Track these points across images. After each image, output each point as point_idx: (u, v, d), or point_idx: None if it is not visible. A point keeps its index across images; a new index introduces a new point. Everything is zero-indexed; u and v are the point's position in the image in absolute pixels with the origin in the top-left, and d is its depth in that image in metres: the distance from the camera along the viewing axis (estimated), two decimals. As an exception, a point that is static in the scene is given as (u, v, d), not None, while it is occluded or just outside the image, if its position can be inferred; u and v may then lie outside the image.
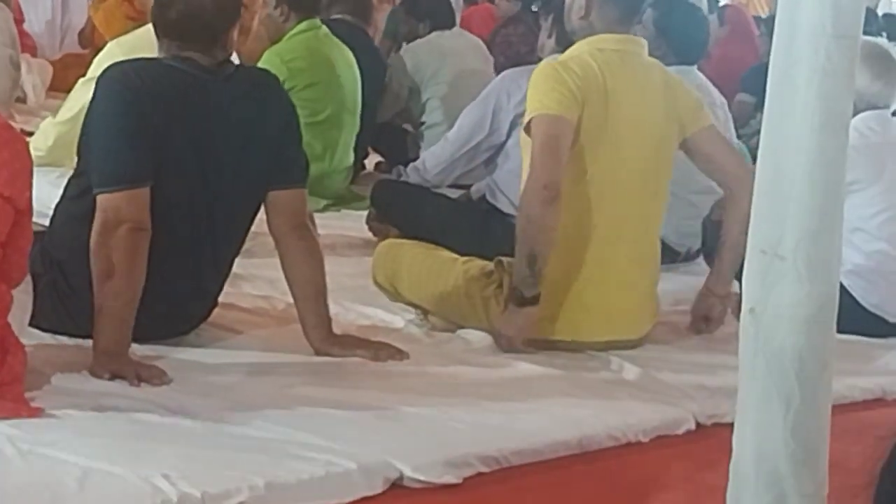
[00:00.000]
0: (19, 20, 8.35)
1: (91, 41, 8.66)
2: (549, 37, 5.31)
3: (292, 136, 4.06)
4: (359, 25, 7.16)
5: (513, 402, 3.75)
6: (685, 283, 5.27)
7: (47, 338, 3.94)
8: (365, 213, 5.99)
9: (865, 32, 2.88)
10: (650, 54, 5.99)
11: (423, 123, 7.33)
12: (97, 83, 3.88)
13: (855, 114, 4.61)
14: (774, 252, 2.58)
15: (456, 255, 4.50)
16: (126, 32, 5.29)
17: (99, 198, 3.75)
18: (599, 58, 4.32)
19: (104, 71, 3.90)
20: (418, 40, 7.49)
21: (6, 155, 3.28)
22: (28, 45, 8.35)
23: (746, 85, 8.56)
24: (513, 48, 6.58)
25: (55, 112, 5.32)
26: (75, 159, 4.02)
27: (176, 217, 3.85)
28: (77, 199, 3.92)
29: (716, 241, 4.98)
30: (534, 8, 8.51)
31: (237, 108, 3.93)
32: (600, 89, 4.26)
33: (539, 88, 4.25)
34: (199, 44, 3.89)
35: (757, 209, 2.64)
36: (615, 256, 4.31)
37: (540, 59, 5.75)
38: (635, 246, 4.37)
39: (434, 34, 7.43)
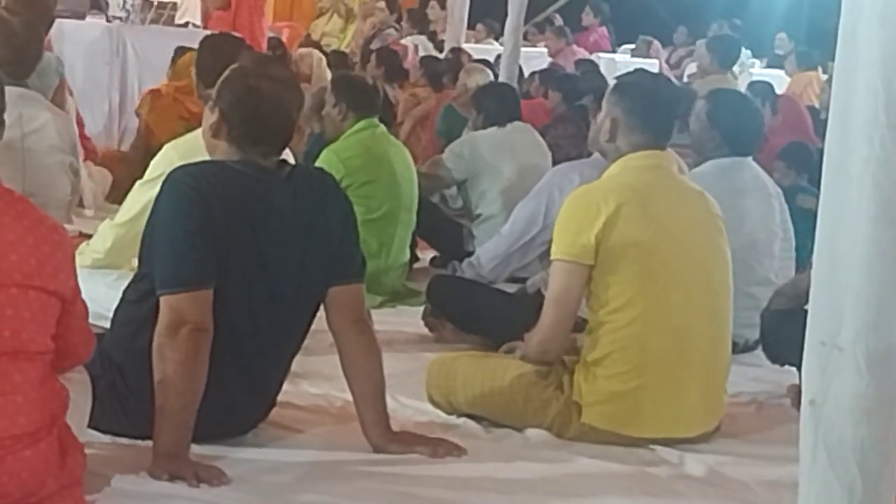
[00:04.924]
0: (80, 124, 8.43)
1: (145, 141, 8.59)
2: None
3: (350, 233, 4.09)
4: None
5: (572, 498, 3.73)
6: (743, 375, 5.24)
7: (106, 439, 3.95)
8: (420, 308, 6.00)
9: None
10: (703, 147, 5.99)
11: (479, 216, 7.34)
12: (163, 185, 3.91)
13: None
14: (833, 343, 2.57)
15: (508, 360, 4.48)
16: (180, 133, 5.32)
17: (162, 299, 3.79)
18: (632, 174, 4.37)
19: (170, 173, 3.93)
20: (478, 132, 7.51)
21: (46, 249, 3.28)
22: (89, 149, 8.41)
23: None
24: (562, 150, 6.59)
25: (113, 215, 5.35)
26: (133, 261, 4.03)
27: (237, 318, 3.88)
28: (137, 303, 3.94)
29: (774, 332, 4.94)
30: (584, 102, 8.51)
31: (297, 208, 3.96)
32: (640, 200, 4.29)
33: (566, 227, 4.30)
34: (263, 147, 3.95)
35: (815, 300, 2.63)
36: (685, 354, 4.28)
37: (591, 154, 5.78)
38: (706, 343, 4.34)
39: (494, 128, 7.44)
